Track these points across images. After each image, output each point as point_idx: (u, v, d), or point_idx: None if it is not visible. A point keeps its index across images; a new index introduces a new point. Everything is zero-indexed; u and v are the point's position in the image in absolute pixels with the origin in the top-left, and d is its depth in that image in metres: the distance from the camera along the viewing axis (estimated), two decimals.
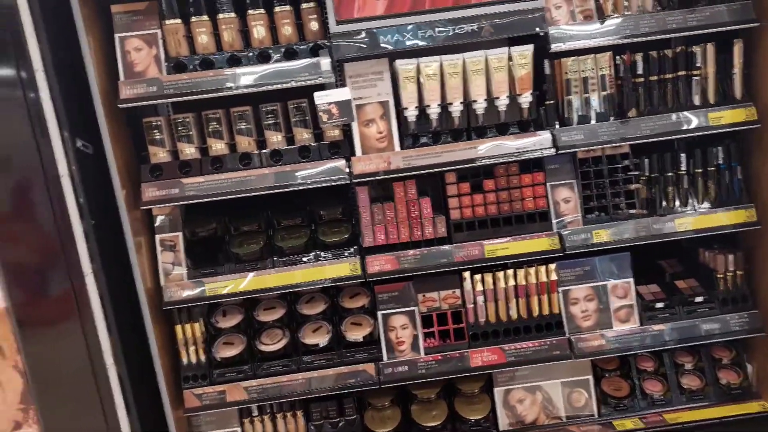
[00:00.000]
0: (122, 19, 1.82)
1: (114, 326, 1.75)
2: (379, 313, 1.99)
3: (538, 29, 1.77)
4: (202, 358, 1.99)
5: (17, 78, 1.59)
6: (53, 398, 1.72)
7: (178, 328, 1.96)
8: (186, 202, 1.86)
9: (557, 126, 1.89)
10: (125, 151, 1.86)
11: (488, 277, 1.93)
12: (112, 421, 1.76)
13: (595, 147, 1.89)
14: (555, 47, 1.81)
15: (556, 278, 1.93)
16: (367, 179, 1.87)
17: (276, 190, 1.86)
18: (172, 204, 1.87)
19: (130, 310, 1.86)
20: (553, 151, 1.85)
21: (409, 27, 1.77)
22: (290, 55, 1.83)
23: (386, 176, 1.87)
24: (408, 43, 1.77)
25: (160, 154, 1.91)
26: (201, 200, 1.85)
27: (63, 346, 1.70)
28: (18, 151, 1.62)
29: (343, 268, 1.92)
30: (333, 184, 1.86)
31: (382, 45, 1.77)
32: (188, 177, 1.86)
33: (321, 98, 1.71)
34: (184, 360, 1.98)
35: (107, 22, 1.82)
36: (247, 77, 1.79)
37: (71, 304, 1.67)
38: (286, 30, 1.84)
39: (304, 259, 1.94)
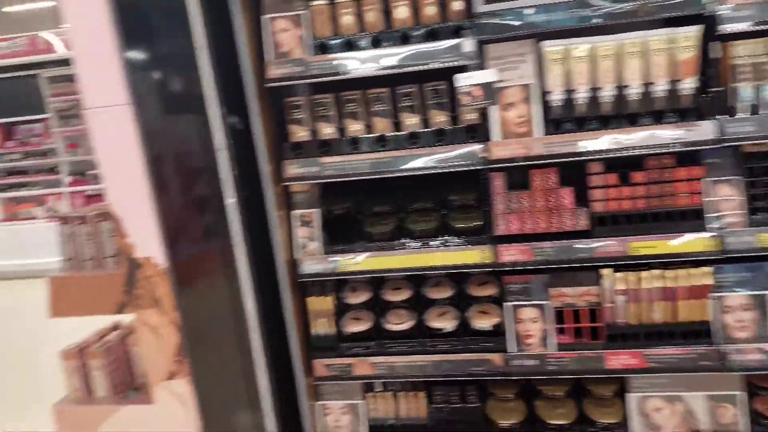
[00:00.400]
0: (271, 0, 1.88)
1: (258, 293, 1.83)
2: (508, 304, 1.92)
3: (704, 9, 1.58)
4: (331, 331, 2.05)
5: (183, 53, 1.68)
6: (202, 354, 1.85)
7: (311, 300, 2.03)
8: (323, 181, 1.90)
9: (722, 116, 1.69)
10: (270, 129, 1.93)
11: (632, 276, 1.79)
12: (251, 379, 1.87)
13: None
14: (724, 29, 1.61)
15: (710, 283, 1.75)
16: (505, 165, 1.79)
17: (410, 173, 1.85)
18: (311, 181, 1.92)
19: (267, 280, 1.95)
20: (716, 143, 1.66)
21: (559, 6, 1.65)
22: (432, 36, 1.78)
23: (525, 163, 1.78)
24: (557, 23, 1.66)
25: (299, 133, 1.96)
26: (337, 179, 1.89)
27: (213, 307, 1.82)
28: (181, 124, 1.73)
29: (473, 255, 1.87)
30: (468, 168, 1.81)
31: (529, 25, 1.67)
32: (327, 156, 1.90)
33: (463, 80, 1.65)
34: (314, 331, 2.05)
35: (256, 2, 1.88)
36: (388, 59, 1.78)
37: (222, 269, 1.78)
38: (429, 10, 1.79)
39: (435, 243, 1.92)
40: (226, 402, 1.89)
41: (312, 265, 1.97)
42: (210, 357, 1.85)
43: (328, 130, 1.95)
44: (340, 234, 2.01)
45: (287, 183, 1.92)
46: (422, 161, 1.83)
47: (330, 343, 2.04)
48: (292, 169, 1.91)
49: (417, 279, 2.08)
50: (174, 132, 1.75)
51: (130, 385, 1.99)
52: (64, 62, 6.66)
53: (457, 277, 2.06)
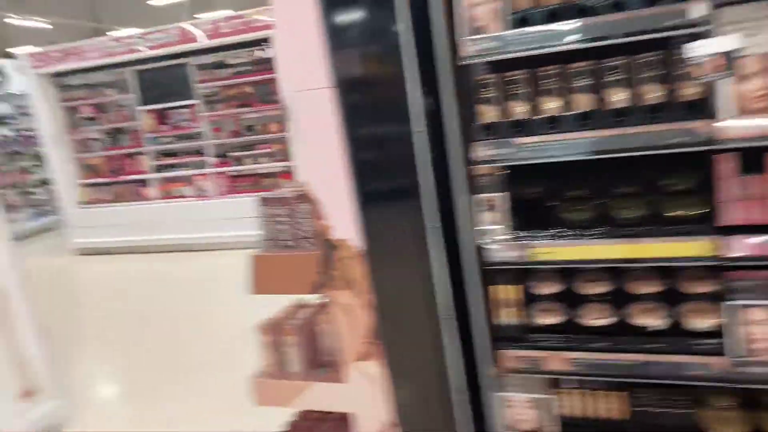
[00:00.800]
0: None
1: (449, 279, 1.78)
2: (730, 303, 1.68)
3: None
4: (518, 321, 1.94)
5: (384, 31, 1.64)
6: (394, 337, 1.84)
7: (496, 288, 1.94)
8: (517, 163, 1.78)
9: None
10: (460, 109, 1.84)
11: None
12: (441, 366, 1.83)
13: None
14: None
15: None
16: (736, 146, 1.55)
17: (617, 154, 1.67)
18: (503, 164, 1.81)
19: (453, 267, 1.88)
20: None
21: None
22: (650, 0, 1.57)
23: (763, 143, 1.52)
24: None
25: (489, 113, 1.85)
26: (531, 162, 1.76)
27: (406, 292, 1.79)
28: (381, 106, 1.70)
29: (690, 247, 1.66)
30: (689, 150, 1.59)
31: None
32: (520, 137, 1.77)
33: (699, 49, 1.43)
34: (499, 321, 1.96)
35: None
36: (596, 28, 1.60)
37: (416, 254, 1.74)
38: None
39: (643, 232, 1.72)
40: (416, 387, 1.86)
41: (501, 252, 1.87)
42: (401, 341, 1.84)
43: (519, 109, 1.82)
44: (530, 220, 1.89)
45: (478, 165, 1.83)
46: (631, 141, 1.64)
47: (514, 334, 1.94)
48: (483, 150, 1.81)
49: (615, 271, 1.90)
50: (373, 114, 1.72)
51: (318, 364, 2.05)
52: (209, 51, 7.12)
53: (662, 271, 1.84)
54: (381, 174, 1.74)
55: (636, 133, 1.65)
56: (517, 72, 1.80)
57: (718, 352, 1.71)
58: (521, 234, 1.87)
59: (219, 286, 6.24)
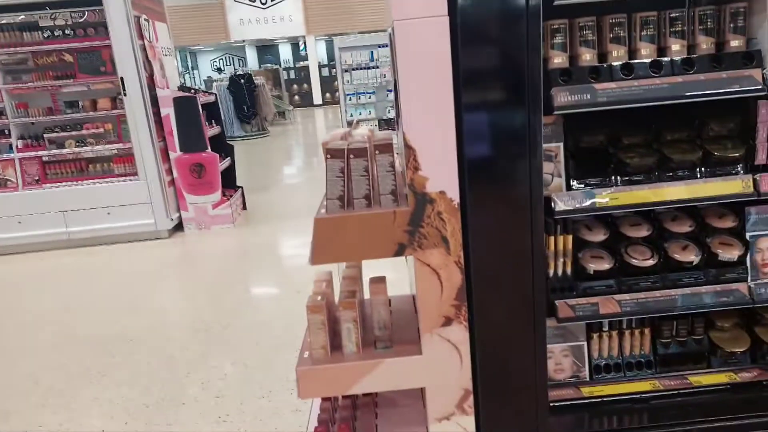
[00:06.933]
0: None
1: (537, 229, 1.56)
2: (748, 234, 1.80)
3: None
4: (568, 270, 1.82)
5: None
6: (486, 299, 1.56)
7: (552, 239, 1.79)
8: (598, 108, 1.65)
9: None
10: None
11: None
12: (527, 325, 1.61)
13: None
14: None
15: None
16: None
17: (684, 100, 1.65)
18: (584, 109, 1.65)
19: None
20: None
21: None
22: None
23: None
24: None
25: (557, 59, 1.68)
26: (609, 107, 1.64)
27: (499, 246, 1.52)
28: (494, 41, 1.40)
29: (734, 185, 1.72)
30: (745, 96, 1.64)
31: None
32: (600, 83, 1.64)
33: None
34: (552, 271, 1.82)
35: None
36: None
37: (512, 206, 1.49)
38: None
39: (695, 174, 1.74)
40: (504, 351, 1.61)
41: (563, 201, 1.72)
42: (490, 300, 1.57)
43: (588, 56, 1.69)
44: (588, 168, 1.77)
45: (559, 112, 1.64)
46: (696, 87, 1.63)
47: (568, 284, 1.82)
48: (562, 97, 1.63)
49: (652, 213, 1.89)
50: (486, 50, 1.40)
51: (370, 341, 1.65)
52: (13, 8, 5.62)
53: (690, 210, 1.89)
54: (489, 120, 1.44)
55: (699, 81, 1.64)
56: (589, 18, 1.66)
57: (743, 278, 1.82)
58: (584, 182, 1.75)
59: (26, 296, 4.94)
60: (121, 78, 5.65)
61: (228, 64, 24.92)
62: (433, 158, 1.43)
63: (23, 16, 5.64)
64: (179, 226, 6.34)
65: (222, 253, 5.67)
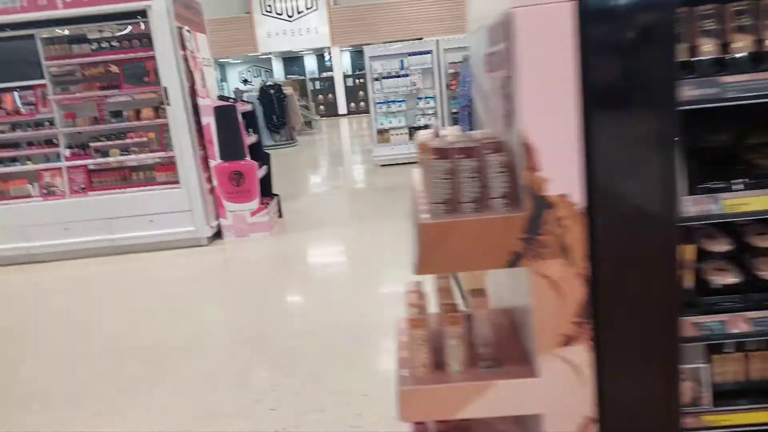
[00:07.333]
0: None
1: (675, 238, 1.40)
2: None
3: None
4: (690, 283, 1.65)
5: None
6: (615, 316, 1.40)
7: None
8: (725, 104, 1.49)
9: None
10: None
11: None
12: (661, 346, 1.44)
13: None
14: None
15: None
16: None
17: None
18: (710, 104, 1.50)
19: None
20: None
21: None
22: None
23: None
24: None
25: (680, 50, 1.53)
26: (741, 102, 1.49)
27: (635, 259, 1.37)
28: (627, 29, 1.26)
29: None
30: None
31: None
32: (728, 76, 1.48)
33: None
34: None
35: None
36: None
37: (645, 211, 1.33)
38: None
39: None
40: (634, 375, 1.45)
41: (685, 206, 1.56)
42: (620, 318, 1.41)
43: (707, 47, 1.54)
44: (713, 170, 1.61)
45: (684, 108, 1.49)
46: None
47: (690, 298, 1.65)
48: (688, 91, 1.48)
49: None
50: (617, 38, 1.26)
51: (474, 360, 1.51)
52: (64, 22, 5.64)
53: None
54: (620, 115, 1.30)
55: None
56: (708, 7, 1.51)
57: None
58: (707, 185, 1.59)
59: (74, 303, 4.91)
60: (165, 88, 5.65)
61: (256, 75, 25.15)
62: (554, 157, 1.29)
63: (71, 30, 5.69)
64: (218, 234, 6.29)
65: (262, 261, 5.59)
